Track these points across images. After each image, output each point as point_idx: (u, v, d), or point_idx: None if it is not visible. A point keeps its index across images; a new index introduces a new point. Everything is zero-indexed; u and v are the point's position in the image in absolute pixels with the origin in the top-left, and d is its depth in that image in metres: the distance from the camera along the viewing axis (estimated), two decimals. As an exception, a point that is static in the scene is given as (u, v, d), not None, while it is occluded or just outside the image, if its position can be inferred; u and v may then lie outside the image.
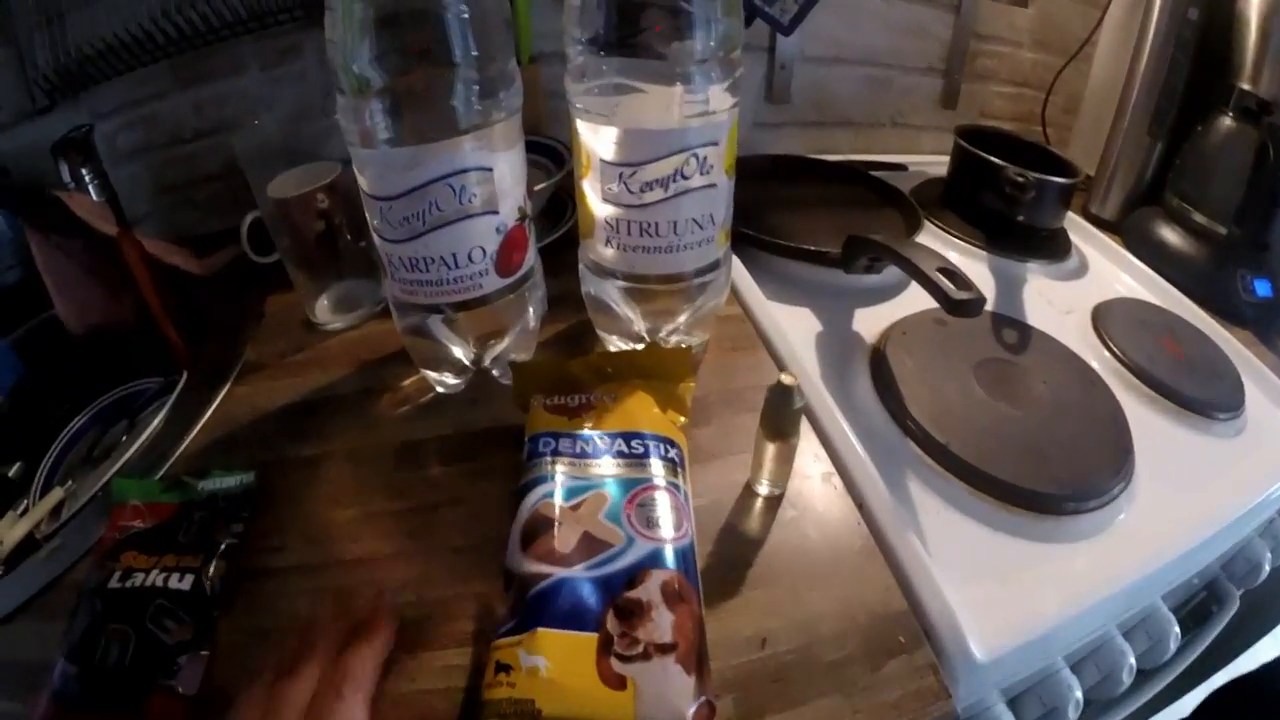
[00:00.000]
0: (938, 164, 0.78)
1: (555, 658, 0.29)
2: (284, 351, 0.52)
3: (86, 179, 0.63)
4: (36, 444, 0.62)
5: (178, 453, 0.48)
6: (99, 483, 0.53)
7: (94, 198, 0.64)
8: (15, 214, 0.62)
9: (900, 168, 0.79)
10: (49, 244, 0.61)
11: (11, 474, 0.62)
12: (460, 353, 0.43)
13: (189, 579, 0.38)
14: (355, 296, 0.54)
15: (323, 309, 0.54)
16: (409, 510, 0.39)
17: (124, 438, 0.58)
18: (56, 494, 0.57)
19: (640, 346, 0.46)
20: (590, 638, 0.30)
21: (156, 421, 0.52)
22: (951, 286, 0.44)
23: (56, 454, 0.60)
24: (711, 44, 0.37)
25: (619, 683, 0.29)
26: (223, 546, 0.39)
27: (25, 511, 0.57)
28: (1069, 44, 0.83)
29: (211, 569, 0.38)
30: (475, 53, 0.35)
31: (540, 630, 0.30)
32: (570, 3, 0.38)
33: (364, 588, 0.36)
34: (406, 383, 0.47)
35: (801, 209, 0.67)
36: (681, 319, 0.45)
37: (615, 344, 0.47)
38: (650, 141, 0.37)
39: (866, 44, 0.76)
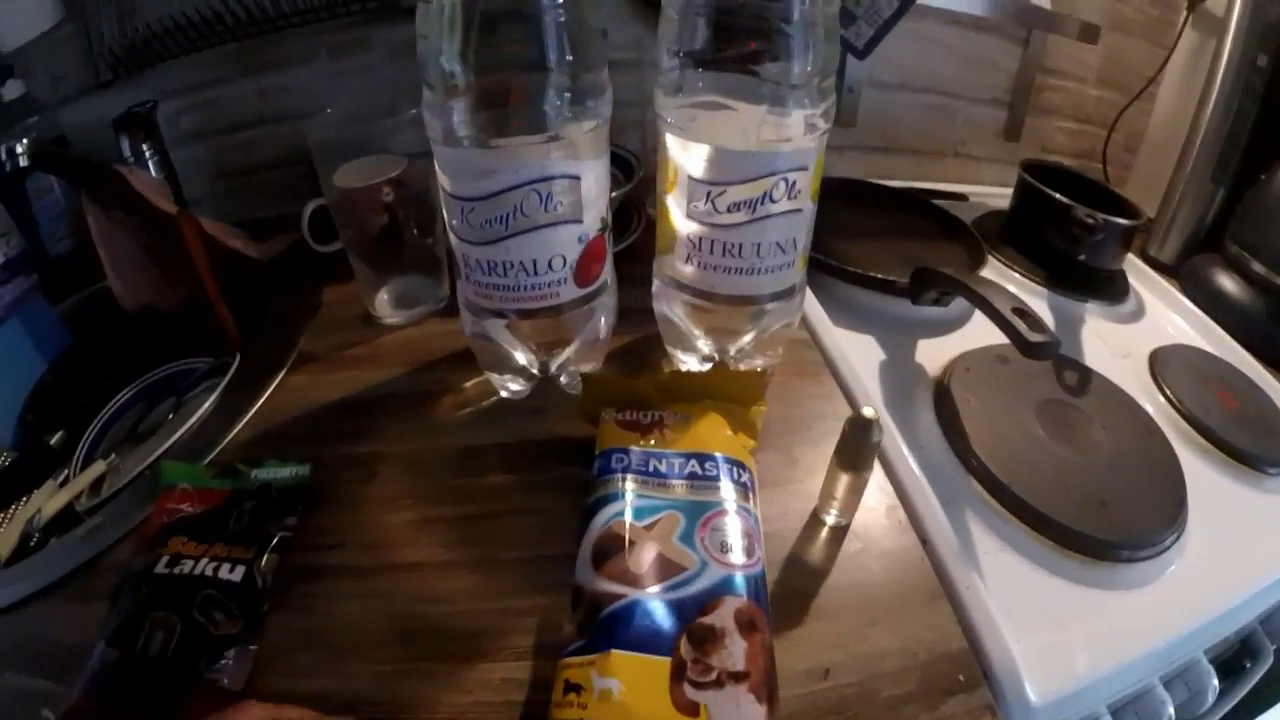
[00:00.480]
0: (998, 196, 0.78)
1: (628, 681, 0.29)
2: (340, 344, 0.52)
3: (147, 155, 0.64)
4: (80, 415, 0.62)
5: (228, 439, 0.49)
6: (144, 461, 0.53)
7: (153, 175, 0.65)
8: (75, 185, 0.63)
9: (961, 198, 0.79)
10: (107, 218, 0.61)
11: (53, 442, 0.63)
12: (527, 360, 0.43)
13: (240, 570, 0.37)
14: (416, 293, 0.55)
15: (382, 303, 0.55)
16: (468, 517, 0.40)
17: (170, 416, 0.59)
18: (98, 467, 0.57)
19: (707, 365, 0.46)
20: (664, 662, 0.30)
21: (207, 404, 0.52)
22: (1026, 329, 0.44)
23: (100, 427, 0.61)
24: (808, 68, 0.37)
25: (692, 710, 0.29)
26: (275, 539, 0.39)
27: (65, 482, 0.58)
28: (1134, 82, 0.83)
29: (264, 562, 0.38)
30: (569, 58, 0.36)
31: (614, 652, 0.30)
32: (668, 15, 0.38)
33: (418, 594, 0.37)
34: (468, 385, 0.47)
35: (866, 235, 0.67)
36: (748, 339, 0.45)
37: (682, 359, 0.48)
38: (741, 162, 0.38)
39: (935, 72, 0.77)
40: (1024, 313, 0.45)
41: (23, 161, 0.57)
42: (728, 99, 0.38)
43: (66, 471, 0.59)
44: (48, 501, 0.56)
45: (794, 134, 0.38)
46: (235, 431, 0.49)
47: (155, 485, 0.43)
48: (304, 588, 0.38)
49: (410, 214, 0.52)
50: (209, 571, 0.37)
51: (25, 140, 0.57)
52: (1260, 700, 0.74)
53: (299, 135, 0.64)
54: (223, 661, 0.34)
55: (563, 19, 0.35)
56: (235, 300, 0.58)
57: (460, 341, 0.45)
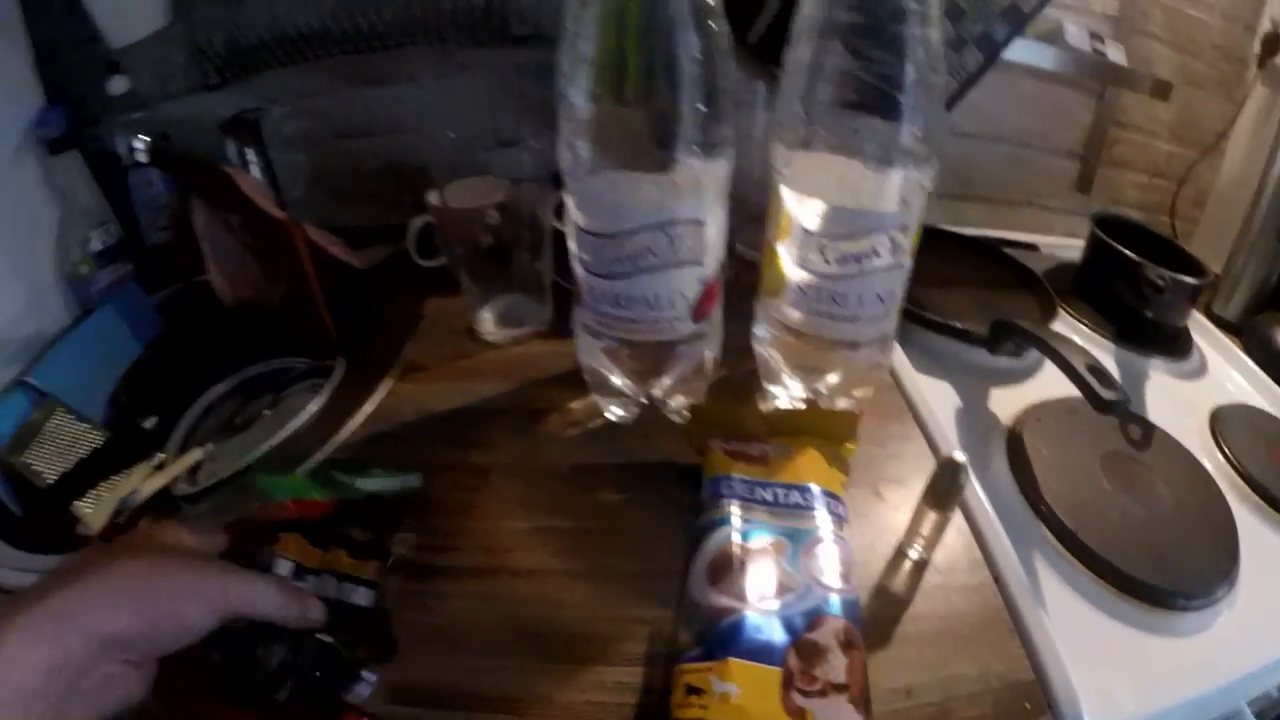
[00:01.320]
0: (1069, 247, 0.84)
1: (744, 686, 0.35)
2: (445, 356, 0.58)
3: (251, 158, 0.71)
4: (171, 402, 0.69)
5: (337, 440, 0.54)
6: (246, 451, 0.59)
7: (257, 177, 0.71)
8: (182, 182, 0.69)
9: (1033, 247, 0.85)
10: (212, 215, 0.68)
11: (147, 426, 0.69)
12: (637, 387, 0.49)
13: (367, 595, 0.39)
14: (520, 313, 0.61)
15: (486, 320, 0.60)
16: (579, 530, 0.45)
17: (266, 412, 0.65)
18: (195, 454, 0.64)
19: (802, 398, 0.52)
20: (775, 671, 0.36)
21: (314, 405, 0.58)
22: (1099, 385, 0.49)
23: (197, 416, 0.67)
24: (918, 130, 0.42)
25: (800, 715, 0.34)
26: (391, 558, 0.42)
27: (161, 465, 0.64)
28: (1204, 137, 0.88)
29: (387, 582, 0.41)
30: (702, 106, 0.41)
31: (732, 660, 0.35)
32: (793, 76, 0.43)
33: (533, 598, 0.42)
34: (575, 405, 0.53)
35: (945, 283, 0.73)
36: (837, 379, 0.51)
37: (778, 392, 0.53)
38: (852, 219, 0.43)
39: (1013, 123, 0.83)
40: (1097, 370, 0.51)
41: (141, 158, 0.63)
42: (843, 157, 0.43)
43: (162, 455, 0.66)
44: (144, 482, 0.62)
45: (902, 194, 0.43)
46: (344, 434, 0.54)
47: (251, 494, 0.44)
48: (420, 585, 0.43)
49: (516, 236, 0.57)
50: (332, 593, 0.39)
51: (144, 138, 0.63)
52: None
53: (400, 148, 0.71)
54: (357, 681, 0.37)
55: (698, 70, 0.40)
56: (335, 305, 0.64)
57: (565, 363, 0.50)
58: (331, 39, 0.68)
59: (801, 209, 0.44)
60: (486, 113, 0.70)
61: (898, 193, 0.43)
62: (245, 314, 0.69)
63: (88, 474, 0.63)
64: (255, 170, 0.71)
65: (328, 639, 0.37)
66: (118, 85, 0.74)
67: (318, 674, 0.36)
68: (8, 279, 0.71)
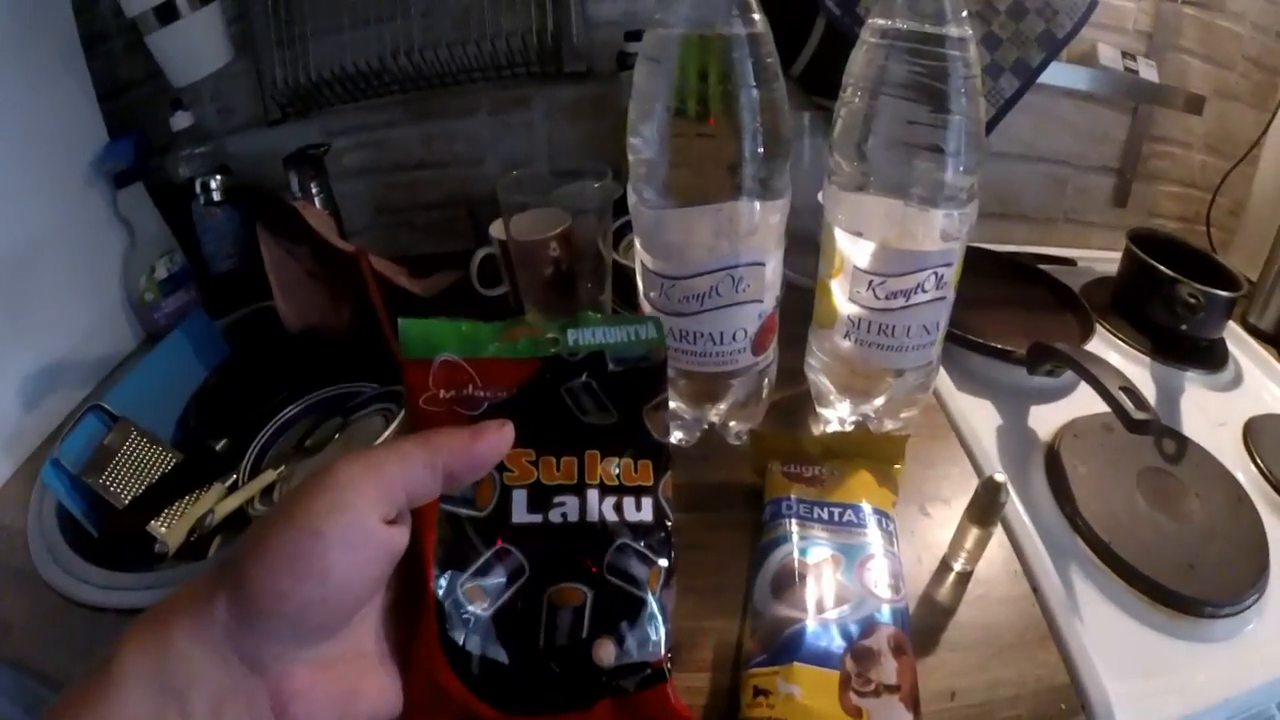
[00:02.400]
0: (1106, 260, 0.89)
1: (807, 688, 0.41)
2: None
3: (314, 191, 0.78)
4: (240, 424, 0.76)
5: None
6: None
7: (320, 209, 0.78)
8: (251, 214, 0.76)
9: (1070, 262, 0.91)
10: (279, 246, 0.75)
11: (219, 448, 0.76)
12: (697, 413, 0.55)
13: (648, 504, 0.32)
14: None
15: None
16: (648, 545, 0.51)
17: (336, 435, 0.72)
18: (270, 475, 0.70)
19: (851, 420, 0.58)
20: (834, 674, 0.42)
21: (388, 430, 0.64)
22: (1132, 406, 0.55)
23: (268, 437, 0.74)
24: (963, 171, 0.48)
25: (856, 713, 0.41)
26: (663, 449, 0.33)
27: (235, 486, 0.71)
28: (1238, 147, 0.93)
29: (663, 483, 0.32)
30: (763, 154, 0.46)
31: (796, 664, 0.42)
32: (847, 124, 0.49)
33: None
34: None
35: (985, 303, 0.78)
36: (882, 403, 0.57)
37: (829, 415, 0.60)
38: (901, 259, 0.49)
39: (1048, 143, 0.89)
40: (1130, 391, 0.56)
41: (216, 196, 0.70)
42: (893, 198, 0.49)
43: (235, 476, 0.73)
44: (220, 502, 0.69)
45: (946, 232, 0.49)
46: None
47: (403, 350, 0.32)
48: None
49: (578, 266, 0.64)
50: (610, 513, 0.31)
51: (218, 176, 0.70)
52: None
53: (457, 180, 0.78)
54: (658, 639, 0.30)
55: (761, 121, 0.46)
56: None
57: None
58: (391, 76, 0.75)
59: (853, 249, 0.51)
60: (542, 146, 0.76)
61: (943, 231, 0.49)
62: (309, 340, 0.76)
63: (162, 494, 0.68)
64: (318, 202, 0.78)
65: (628, 585, 0.30)
66: (181, 120, 0.81)
67: (631, 629, 0.30)
68: (76, 305, 0.79)
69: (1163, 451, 0.65)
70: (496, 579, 0.30)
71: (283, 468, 0.70)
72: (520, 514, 0.30)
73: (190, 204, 0.81)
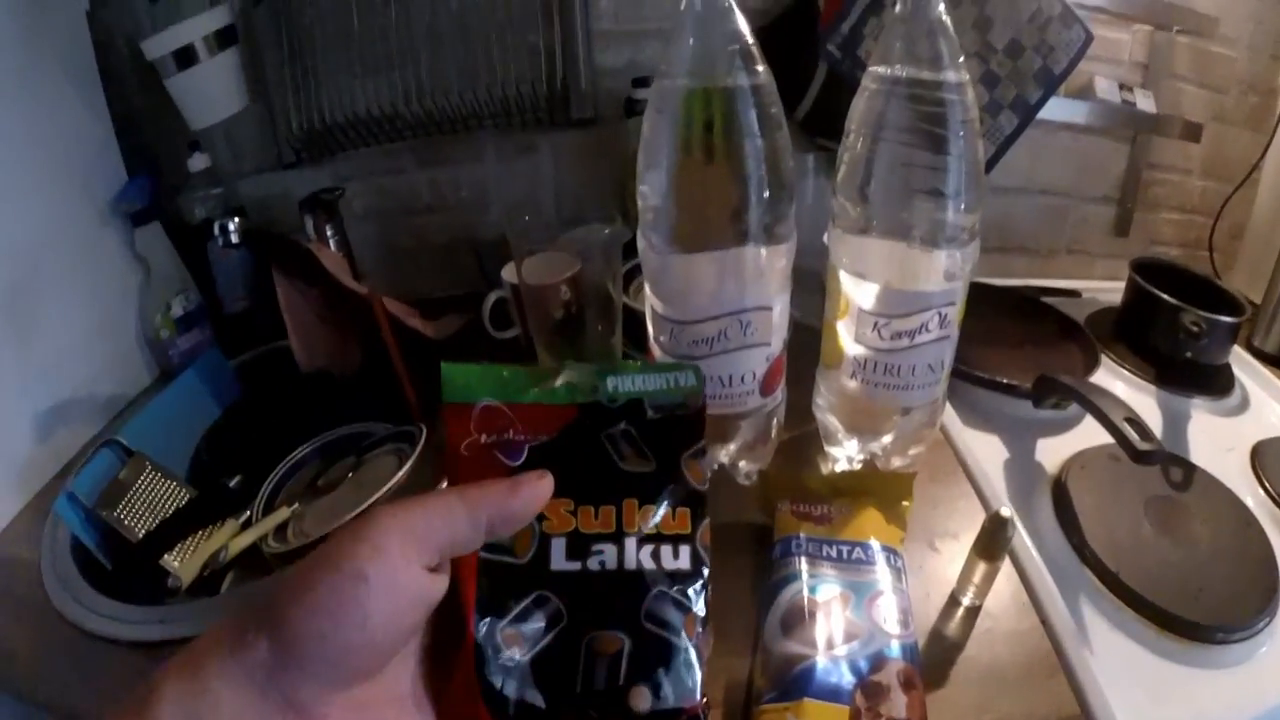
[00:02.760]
0: (1109, 290, 0.91)
1: (818, 724, 0.43)
2: (523, 425, 0.66)
3: (329, 235, 0.81)
4: (253, 462, 0.78)
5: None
6: (331, 517, 0.66)
7: (334, 252, 0.81)
8: (265, 256, 0.79)
9: (1074, 294, 0.93)
10: (293, 287, 0.77)
11: (232, 485, 0.78)
12: (708, 454, 0.57)
13: (685, 553, 0.32)
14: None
15: None
16: (662, 583, 0.53)
17: (350, 474, 0.74)
18: (284, 512, 0.72)
19: (858, 457, 0.60)
20: (844, 710, 0.43)
21: (400, 473, 0.66)
22: (1137, 437, 0.57)
23: (281, 475, 0.76)
24: (964, 211, 0.50)
25: (868, 748, 0.42)
26: (704, 497, 0.34)
27: (248, 523, 0.73)
28: (1237, 171, 0.95)
29: (701, 531, 0.33)
30: (769, 201, 0.49)
31: (807, 700, 0.43)
32: (850, 169, 0.52)
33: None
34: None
35: (990, 338, 0.80)
36: (890, 440, 0.59)
37: (837, 454, 0.62)
38: (905, 300, 0.51)
39: (1048, 175, 0.91)
40: (1135, 422, 0.58)
41: (234, 239, 0.73)
42: (896, 241, 0.51)
43: (248, 513, 0.74)
44: (233, 539, 0.71)
45: (949, 272, 0.51)
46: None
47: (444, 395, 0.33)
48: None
49: (588, 310, 0.66)
50: (648, 561, 0.31)
51: (236, 220, 0.73)
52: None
53: (467, 224, 0.80)
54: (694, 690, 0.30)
55: (766, 170, 0.48)
56: (413, 374, 0.73)
57: (639, 427, 0.59)
58: (403, 122, 0.78)
59: (858, 291, 0.53)
60: (549, 191, 0.79)
61: (946, 271, 0.51)
62: (322, 380, 0.78)
63: (176, 529, 0.70)
64: (333, 245, 0.80)
65: (664, 632, 0.31)
66: (198, 162, 0.84)
67: (666, 675, 0.30)
68: (92, 340, 0.81)
69: (1169, 479, 0.67)
70: (535, 625, 0.30)
71: (296, 506, 0.72)
72: (559, 562, 0.31)
73: (205, 244, 0.84)
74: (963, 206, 0.50)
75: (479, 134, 0.77)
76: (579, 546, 0.32)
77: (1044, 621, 0.53)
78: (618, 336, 0.68)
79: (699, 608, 0.32)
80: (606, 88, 0.74)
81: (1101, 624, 0.55)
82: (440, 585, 0.29)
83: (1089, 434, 0.69)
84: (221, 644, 0.25)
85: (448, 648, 0.30)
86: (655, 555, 0.32)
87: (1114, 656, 0.53)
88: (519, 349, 0.68)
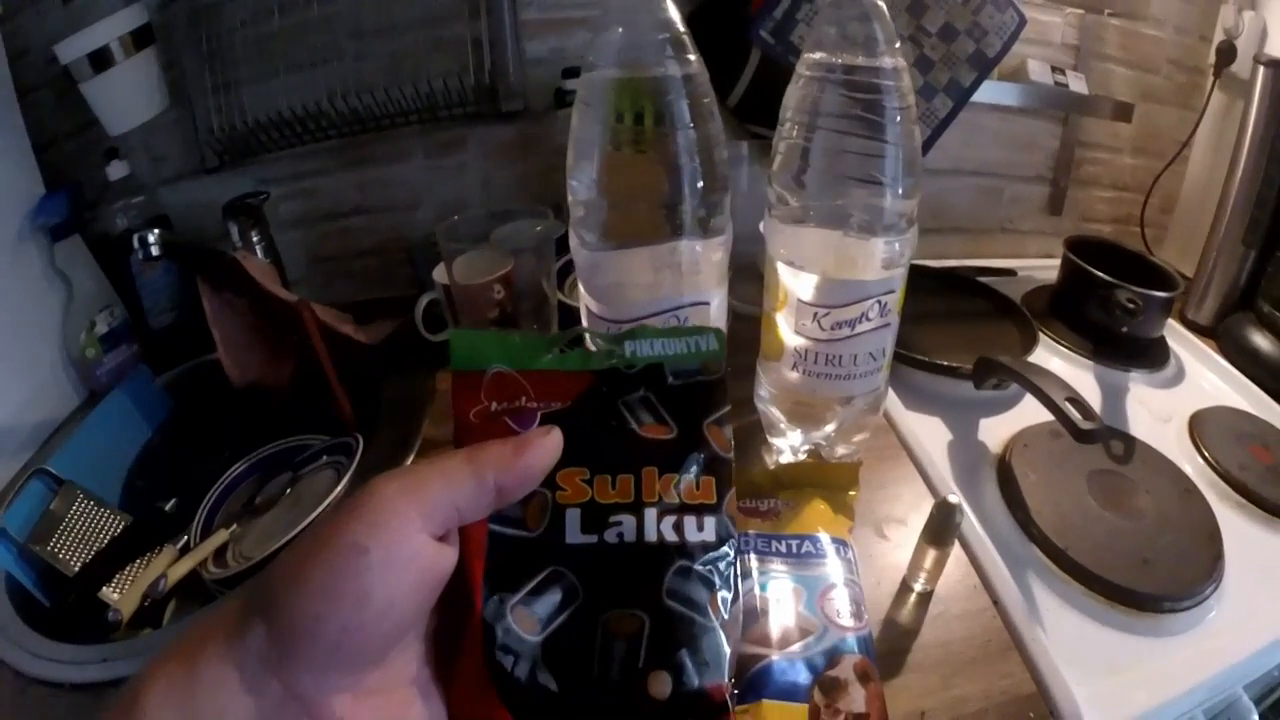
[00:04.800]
0: (1045, 268, 0.92)
1: (776, 724, 0.41)
2: (461, 431, 0.64)
3: (254, 241, 0.77)
4: (189, 483, 0.74)
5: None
6: (269, 538, 0.64)
7: (261, 260, 0.77)
8: (190, 267, 0.75)
9: (1010, 272, 0.94)
10: (220, 299, 0.73)
11: (167, 508, 0.74)
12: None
13: (710, 524, 0.30)
14: None
15: None
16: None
17: (287, 490, 0.70)
18: (221, 535, 0.69)
19: (802, 448, 0.59)
20: (802, 708, 0.42)
21: (339, 487, 0.63)
22: (1080, 416, 0.57)
23: (216, 496, 0.72)
24: (902, 197, 0.49)
25: (827, 746, 0.41)
26: (730, 460, 0.31)
27: (186, 548, 0.69)
28: (1167, 148, 0.97)
29: (727, 500, 0.30)
30: (703, 194, 0.47)
31: (764, 701, 0.42)
32: (785, 158, 0.50)
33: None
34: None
35: (929, 320, 0.80)
36: (833, 428, 0.58)
37: (780, 445, 0.60)
38: (844, 289, 0.50)
39: (982, 156, 0.92)
40: (1076, 401, 0.58)
41: (154, 251, 0.68)
42: (834, 230, 0.50)
43: (186, 538, 0.71)
44: (172, 566, 0.67)
45: (887, 260, 0.50)
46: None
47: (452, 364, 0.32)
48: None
49: (522, 307, 0.64)
50: (670, 533, 0.29)
51: (155, 231, 0.69)
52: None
53: (396, 225, 0.77)
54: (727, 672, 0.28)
55: (699, 161, 0.46)
56: (348, 383, 0.70)
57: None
58: (327, 121, 0.74)
59: (797, 282, 0.51)
60: (478, 188, 0.76)
61: (884, 259, 0.50)
62: (254, 393, 0.74)
63: (113, 559, 0.67)
64: (260, 252, 0.77)
65: (688, 609, 0.28)
66: (116, 170, 0.80)
67: (691, 657, 0.28)
68: (15, 366, 0.76)
69: (1111, 453, 0.67)
70: (548, 603, 0.28)
71: (234, 527, 0.69)
72: (574, 535, 0.29)
73: (129, 258, 0.79)
74: (900, 192, 0.49)
75: (405, 131, 0.74)
76: (595, 518, 0.29)
77: (995, 602, 0.53)
78: (548, 327, 0.65)
79: (726, 583, 0.30)
80: (535, 78, 0.72)
81: (1052, 601, 0.56)
82: (449, 557, 0.27)
83: (1030, 412, 0.69)
84: (216, 633, 0.23)
85: (456, 629, 0.28)
86: (678, 527, 0.30)
87: (1066, 632, 0.53)
88: (453, 351, 0.66)
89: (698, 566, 0.29)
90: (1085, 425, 0.56)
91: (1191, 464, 0.70)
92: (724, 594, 0.29)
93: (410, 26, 0.70)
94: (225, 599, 0.22)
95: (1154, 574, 0.57)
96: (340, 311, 0.75)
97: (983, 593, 0.54)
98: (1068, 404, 0.57)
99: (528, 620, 0.28)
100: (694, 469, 0.31)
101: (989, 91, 0.82)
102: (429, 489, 0.26)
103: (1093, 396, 0.75)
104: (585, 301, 0.51)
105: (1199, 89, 0.97)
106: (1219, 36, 0.95)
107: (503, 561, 0.28)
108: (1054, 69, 0.89)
